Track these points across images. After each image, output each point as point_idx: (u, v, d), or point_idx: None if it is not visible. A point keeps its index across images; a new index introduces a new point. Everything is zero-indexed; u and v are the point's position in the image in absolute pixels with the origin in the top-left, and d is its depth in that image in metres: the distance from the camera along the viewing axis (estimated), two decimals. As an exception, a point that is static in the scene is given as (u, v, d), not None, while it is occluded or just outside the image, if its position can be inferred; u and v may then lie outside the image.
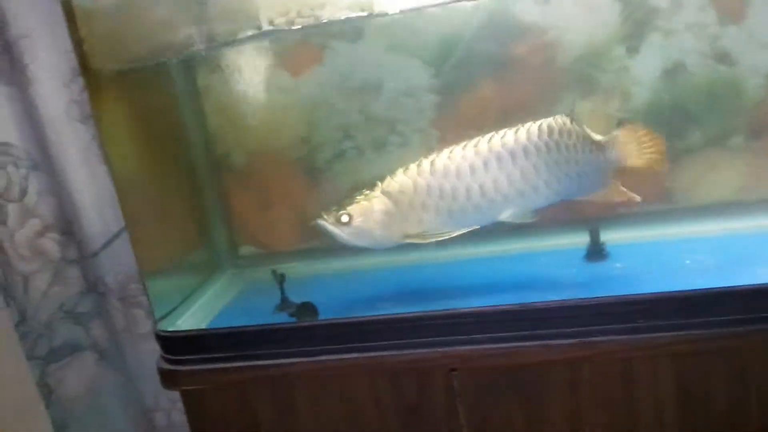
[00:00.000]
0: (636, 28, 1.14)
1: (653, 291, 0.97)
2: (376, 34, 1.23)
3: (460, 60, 1.20)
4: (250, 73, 1.26)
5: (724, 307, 0.94)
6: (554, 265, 1.16)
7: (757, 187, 1.18)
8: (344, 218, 1.06)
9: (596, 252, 1.16)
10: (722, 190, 1.19)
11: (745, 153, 1.17)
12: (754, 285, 0.94)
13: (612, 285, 1.07)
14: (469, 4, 1.18)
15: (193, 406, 1.12)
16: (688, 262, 1.09)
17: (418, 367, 1.04)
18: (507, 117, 1.20)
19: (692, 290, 0.95)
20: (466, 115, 1.23)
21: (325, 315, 1.11)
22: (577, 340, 0.98)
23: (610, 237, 1.18)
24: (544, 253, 1.20)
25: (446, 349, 1.02)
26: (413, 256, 1.21)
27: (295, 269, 1.29)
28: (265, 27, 1.24)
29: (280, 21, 1.27)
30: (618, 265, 1.13)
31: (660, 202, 1.22)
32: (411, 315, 1.04)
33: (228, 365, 1.08)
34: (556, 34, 1.17)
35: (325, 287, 1.24)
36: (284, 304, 1.16)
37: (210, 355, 1.10)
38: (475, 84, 1.22)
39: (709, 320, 0.95)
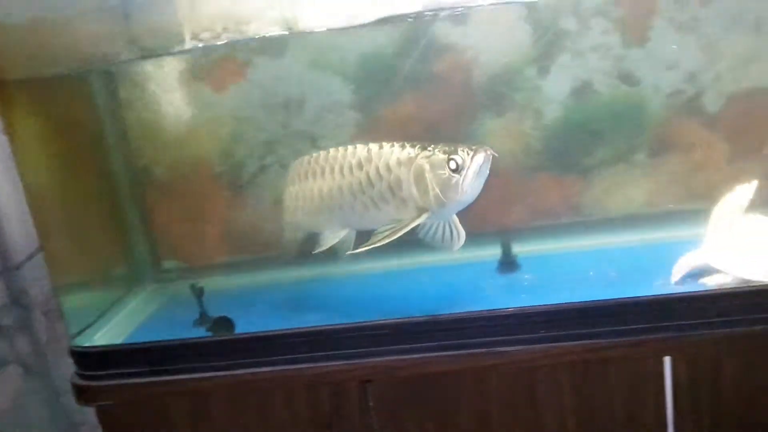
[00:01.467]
0: (546, 50, 1.19)
1: (554, 302, 1.01)
2: (299, 51, 1.25)
3: (381, 77, 1.24)
4: (172, 87, 1.27)
5: (620, 317, 0.99)
6: (467, 277, 1.20)
7: (659, 201, 1.24)
8: None
9: (508, 263, 1.20)
10: (627, 204, 1.25)
11: (648, 169, 1.23)
12: (649, 296, 0.99)
13: (520, 296, 1.11)
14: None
15: (108, 422, 1.12)
16: (591, 273, 1.14)
17: (332, 379, 1.06)
18: (425, 132, 1.24)
19: (589, 301, 1.00)
20: (385, 130, 1.26)
21: (242, 328, 1.12)
22: (484, 350, 1.01)
23: (523, 248, 1.23)
24: (458, 266, 1.24)
25: (360, 361, 1.04)
26: (332, 269, 1.23)
27: (219, 282, 1.30)
28: (190, 41, 1.26)
29: (205, 36, 1.28)
30: (527, 276, 1.18)
31: (570, 214, 1.27)
32: (325, 328, 1.06)
33: (144, 380, 1.08)
34: (473, 54, 1.21)
35: (246, 300, 1.25)
36: (202, 318, 1.16)
37: (125, 371, 1.10)
38: (395, 100, 1.25)
39: (607, 330, 0.99)
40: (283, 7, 1.22)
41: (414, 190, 1.00)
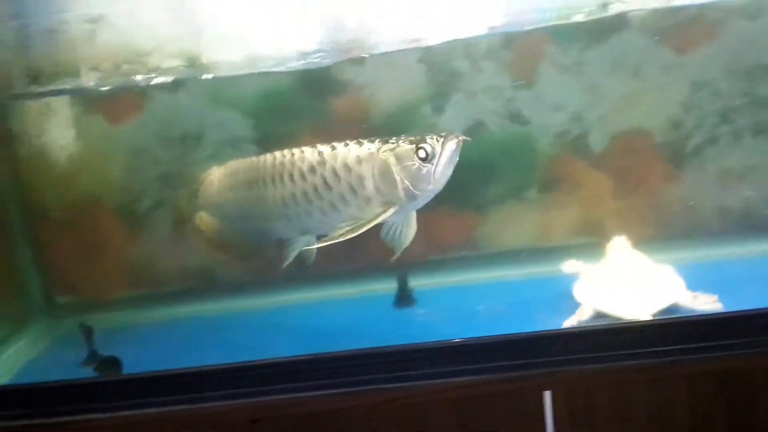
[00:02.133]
0: (441, 89, 1.23)
1: (438, 339, 1.03)
2: (197, 86, 1.25)
3: (279, 113, 1.25)
4: (66, 120, 1.25)
5: (502, 353, 1.02)
6: (363, 312, 1.22)
7: (549, 236, 1.29)
8: None
9: (404, 297, 1.22)
10: (520, 238, 1.29)
11: (538, 204, 1.28)
12: (529, 333, 1.03)
13: (414, 331, 1.13)
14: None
15: (-11, 466, 1.08)
16: (481, 307, 1.17)
17: (219, 419, 1.05)
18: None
19: (471, 338, 1.02)
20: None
21: (131, 368, 1.10)
22: (370, 387, 1.02)
23: (420, 282, 1.25)
24: (357, 299, 1.25)
25: (248, 400, 1.04)
26: (229, 305, 1.23)
27: (117, 318, 1.28)
28: (90, 72, 1.24)
29: (106, 66, 1.27)
30: (421, 311, 1.20)
31: (465, 248, 1.30)
32: (212, 367, 1.04)
33: (25, 422, 1.05)
34: (370, 92, 1.23)
35: (140, 338, 1.23)
36: (91, 357, 1.14)
37: (9, 412, 1.06)
38: (294, 135, 1.26)
39: (491, 366, 1.02)
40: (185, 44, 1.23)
41: (380, 186, 0.96)
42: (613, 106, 1.22)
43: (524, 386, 1.02)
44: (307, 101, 1.23)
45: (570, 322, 1.08)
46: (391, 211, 0.97)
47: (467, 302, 1.21)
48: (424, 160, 0.94)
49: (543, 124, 1.24)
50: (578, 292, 1.10)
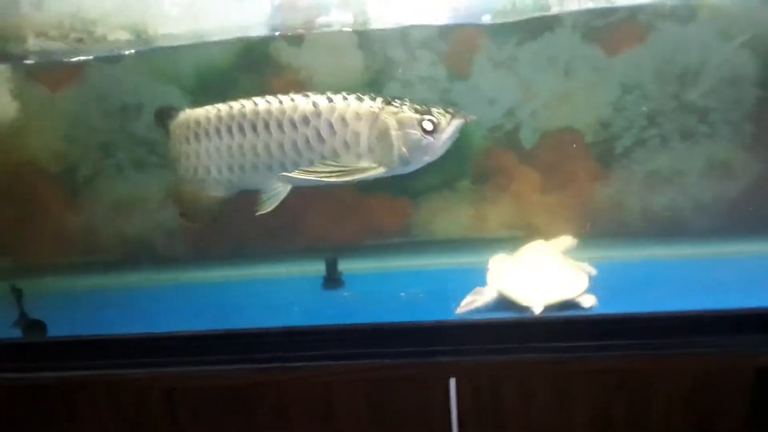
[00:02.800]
0: (376, 77, 1.24)
1: (348, 322, 1.07)
2: (140, 58, 1.26)
3: (217, 88, 1.26)
4: (6, 86, 1.26)
5: (410, 338, 1.05)
6: (290, 292, 1.25)
7: (481, 227, 1.32)
8: None
9: (332, 280, 1.26)
10: (452, 228, 1.32)
11: (470, 195, 1.30)
12: (435, 321, 1.07)
13: (333, 312, 1.16)
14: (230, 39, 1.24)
15: None
16: (402, 294, 1.20)
17: (137, 386, 1.08)
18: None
19: (381, 322, 1.06)
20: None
21: (56, 332, 1.13)
22: (279, 365, 1.06)
23: (353, 266, 1.28)
24: (287, 279, 1.29)
25: (164, 369, 1.07)
26: (163, 277, 1.26)
27: (53, 283, 1.31)
28: (36, 41, 1.25)
29: (54, 34, 1.28)
30: (346, 294, 1.23)
31: (398, 235, 1.33)
32: (132, 336, 1.09)
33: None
34: (307, 74, 1.25)
35: (70, 304, 1.26)
36: (21, 319, 1.17)
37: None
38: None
39: (398, 351, 1.05)
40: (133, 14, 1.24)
41: (375, 146, 0.95)
42: (544, 104, 1.24)
43: (429, 372, 1.06)
44: (245, 78, 1.24)
45: (470, 298, 1.12)
46: (380, 171, 0.96)
47: (393, 288, 1.24)
48: (426, 131, 0.93)
49: (478, 117, 1.26)
50: (490, 274, 1.15)
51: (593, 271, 1.16)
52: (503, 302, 1.11)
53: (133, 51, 1.23)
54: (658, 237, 1.27)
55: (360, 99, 0.96)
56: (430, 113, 0.94)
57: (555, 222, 1.27)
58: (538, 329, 1.04)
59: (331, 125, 0.96)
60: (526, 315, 1.06)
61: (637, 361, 1.00)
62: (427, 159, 0.96)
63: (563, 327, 1.03)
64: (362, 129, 0.95)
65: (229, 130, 1.01)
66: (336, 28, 1.19)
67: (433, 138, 0.93)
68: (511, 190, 1.29)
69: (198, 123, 1.04)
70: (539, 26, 1.19)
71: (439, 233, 1.32)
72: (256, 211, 1.01)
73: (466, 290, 1.18)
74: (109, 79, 1.26)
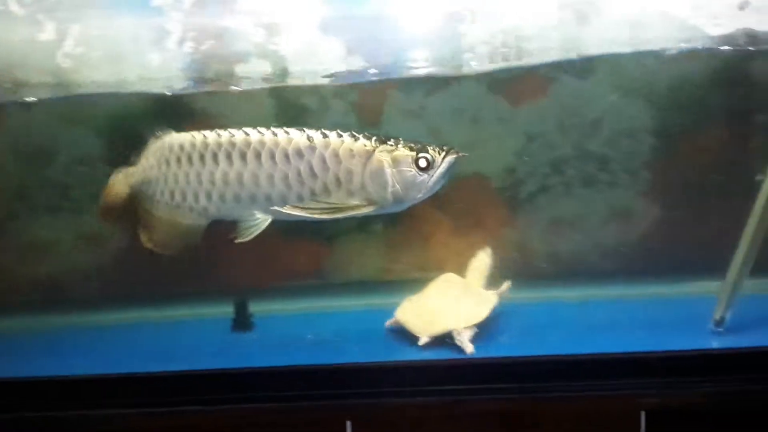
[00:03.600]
0: (288, 125, 1.27)
1: (256, 365, 1.07)
2: (56, 104, 1.28)
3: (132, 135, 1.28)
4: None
5: (303, 381, 1.06)
6: (198, 335, 1.25)
7: (393, 269, 1.34)
8: None
9: (242, 322, 1.26)
10: (365, 270, 1.35)
11: (383, 238, 1.33)
12: (331, 363, 1.07)
13: (239, 356, 1.16)
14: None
15: None
16: (309, 336, 1.21)
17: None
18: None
19: (278, 366, 1.06)
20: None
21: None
22: (169, 409, 1.05)
23: (265, 308, 1.29)
24: (196, 321, 1.29)
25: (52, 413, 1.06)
26: (70, 319, 1.26)
27: None
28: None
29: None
30: (255, 337, 1.24)
31: (312, 277, 1.35)
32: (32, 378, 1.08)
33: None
34: (222, 123, 1.27)
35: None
36: None
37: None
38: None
39: (290, 394, 1.05)
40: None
41: (369, 184, 0.95)
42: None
43: (325, 415, 1.06)
44: (159, 126, 1.27)
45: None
46: (370, 209, 0.96)
47: (304, 330, 1.24)
48: (421, 169, 0.94)
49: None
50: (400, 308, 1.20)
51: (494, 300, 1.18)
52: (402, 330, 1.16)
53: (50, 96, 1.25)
54: (563, 279, 1.31)
55: (354, 137, 0.97)
56: (425, 150, 0.95)
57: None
58: (428, 372, 1.06)
59: (324, 161, 0.96)
60: (418, 358, 1.08)
61: (521, 404, 1.02)
62: (420, 196, 0.97)
63: (451, 370, 1.06)
64: (356, 167, 0.95)
65: (215, 157, 0.99)
66: (254, 79, 1.23)
67: (428, 175, 0.94)
68: (422, 233, 1.32)
69: (182, 147, 1.01)
70: (446, 78, 1.25)
71: (353, 275, 1.34)
72: (234, 238, 1.00)
73: (376, 332, 1.20)
74: (26, 123, 1.28)
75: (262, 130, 0.99)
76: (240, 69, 1.23)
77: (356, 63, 1.23)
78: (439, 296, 1.19)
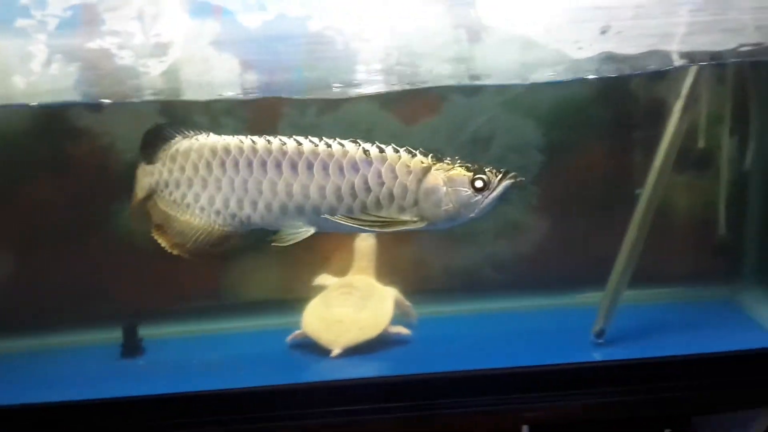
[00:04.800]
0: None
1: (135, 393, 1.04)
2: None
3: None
4: None
5: (192, 407, 1.04)
6: (85, 362, 1.21)
7: (289, 287, 1.34)
8: None
9: (131, 348, 1.23)
10: (261, 290, 1.33)
11: (280, 257, 1.32)
12: (215, 390, 1.06)
13: (120, 384, 1.12)
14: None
15: None
16: (194, 361, 1.20)
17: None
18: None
19: (159, 394, 1.04)
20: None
21: None
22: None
23: (157, 332, 1.26)
24: (85, 348, 1.25)
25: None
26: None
27: None
28: None
29: None
30: (141, 362, 1.21)
31: (206, 299, 1.33)
32: None
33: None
34: (108, 140, 1.24)
35: None
36: None
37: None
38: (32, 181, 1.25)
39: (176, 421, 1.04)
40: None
41: (422, 201, 0.94)
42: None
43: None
44: (43, 144, 1.23)
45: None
46: (420, 225, 0.95)
47: (194, 354, 1.23)
48: (476, 189, 0.93)
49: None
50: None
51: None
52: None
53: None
54: (458, 293, 1.34)
55: (411, 153, 0.96)
56: (482, 172, 0.94)
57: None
58: (316, 393, 1.06)
59: (379, 175, 0.94)
60: (308, 380, 1.08)
61: (409, 423, 1.03)
62: (472, 216, 0.95)
63: (343, 390, 1.06)
64: (411, 183, 0.94)
65: (263, 164, 0.96)
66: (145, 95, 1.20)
67: (482, 196, 0.93)
68: (317, 250, 1.31)
69: (227, 150, 0.96)
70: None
71: (248, 295, 1.32)
72: (273, 242, 0.98)
73: (271, 354, 1.20)
74: None
75: (314, 140, 0.96)
76: (130, 85, 1.20)
77: (251, 80, 1.21)
78: (342, 304, 1.21)
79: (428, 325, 1.26)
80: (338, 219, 0.95)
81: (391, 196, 0.95)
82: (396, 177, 0.94)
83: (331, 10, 1.07)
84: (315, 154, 0.94)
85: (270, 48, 1.20)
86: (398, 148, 0.96)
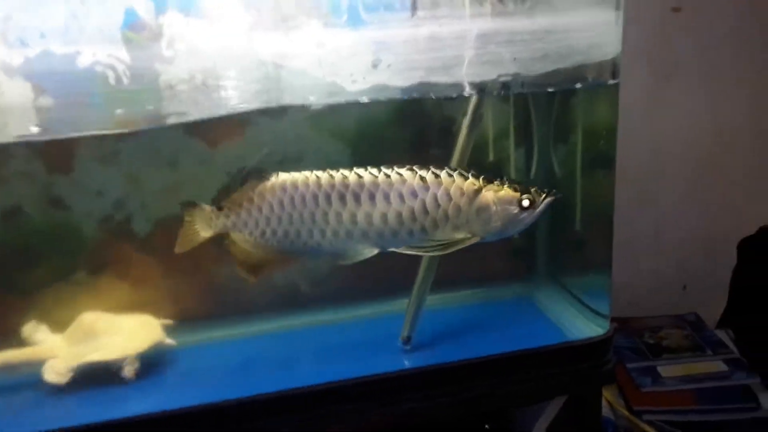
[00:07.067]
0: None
1: None
2: None
3: None
4: None
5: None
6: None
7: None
8: None
9: None
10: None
11: (88, 287, 1.29)
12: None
13: None
14: None
15: None
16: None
17: None
18: None
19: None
20: None
21: None
22: None
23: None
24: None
25: None
26: None
27: None
28: None
29: None
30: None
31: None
32: None
33: None
34: None
35: None
36: None
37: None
38: None
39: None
40: None
41: (473, 220, 1.04)
42: (153, 194, 1.28)
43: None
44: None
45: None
46: (473, 241, 1.06)
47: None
48: (523, 208, 1.04)
49: (85, 210, 1.27)
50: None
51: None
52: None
53: None
54: (278, 310, 1.37)
55: (463, 176, 1.05)
56: (528, 192, 1.05)
57: (177, 303, 1.31)
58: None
59: (436, 199, 1.04)
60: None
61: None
62: (516, 231, 1.08)
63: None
64: (464, 204, 1.04)
65: (327, 197, 1.06)
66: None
67: (527, 213, 1.05)
68: (131, 276, 1.30)
69: (295, 187, 1.08)
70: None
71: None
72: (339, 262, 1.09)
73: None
74: None
75: (374, 171, 1.06)
76: None
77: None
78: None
79: (220, 351, 1.30)
80: (403, 250, 1.08)
81: (446, 217, 1.06)
82: (451, 199, 1.05)
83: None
84: (375, 185, 1.06)
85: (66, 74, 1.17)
86: (452, 172, 1.06)
